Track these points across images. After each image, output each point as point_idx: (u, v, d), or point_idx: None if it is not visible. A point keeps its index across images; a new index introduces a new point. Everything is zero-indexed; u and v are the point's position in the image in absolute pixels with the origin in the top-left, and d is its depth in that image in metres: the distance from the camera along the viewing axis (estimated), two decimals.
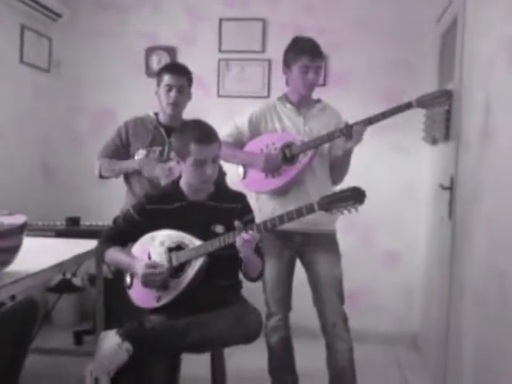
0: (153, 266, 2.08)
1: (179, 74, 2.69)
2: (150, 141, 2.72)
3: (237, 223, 2.05)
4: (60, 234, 3.14)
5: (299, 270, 2.61)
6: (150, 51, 3.93)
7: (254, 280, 2.23)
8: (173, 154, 2.54)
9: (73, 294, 3.87)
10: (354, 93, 3.70)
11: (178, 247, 2.11)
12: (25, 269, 2.04)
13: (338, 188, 2.16)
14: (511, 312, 1.88)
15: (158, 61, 3.88)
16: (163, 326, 2.05)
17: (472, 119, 2.50)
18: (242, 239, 2.01)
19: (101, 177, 2.80)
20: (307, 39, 2.53)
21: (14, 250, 1.96)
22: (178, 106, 2.70)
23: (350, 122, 2.41)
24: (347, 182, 2.32)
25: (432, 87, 3.29)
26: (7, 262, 1.96)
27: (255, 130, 2.58)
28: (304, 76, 2.48)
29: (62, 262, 2.32)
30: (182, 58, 3.72)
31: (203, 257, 2.07)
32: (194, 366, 2.40)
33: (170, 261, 2.10)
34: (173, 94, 2.67)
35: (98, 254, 2.35)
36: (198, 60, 3.73)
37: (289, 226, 2.14)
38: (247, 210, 2.27)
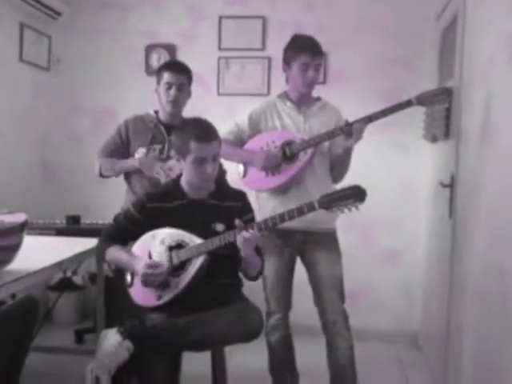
0: (153, 265, 2.07)
1: (179, 72, 2.69)
2: (150, 139, 2.72)
3: (237, 221, 2.05)
4: (60, 232, 3.14)
5: (299, 268, 2.61)
6: (149, 49, 3.92)
7: (253, 279, 2.23)
8: (173, 152, 2.54)
9: (73, 292, 3.87)
10: (353, 90, 3.69)
11: (179, 245, 2.11)
12: (25, 267, 2.04)
13: (339, 186, 2.15)
14: None
15: (157, 59, 3.88)
16: (164, 325, 2.05)
17: (472, 117, 2.50)
18: (243, 238, 2.01)
19: (101, 176, 2.80)
20: (307, 37, 2.53)
21: (15, 248, 1.96)
22: (177, 103, 2.70)
23: (350, 119, 2.41)
24: (347, 180, 2.31)
25: (432, 85, 3.28)
26: (8, 261, 1.96)
27: (255, 128, 2.58)
28: (304, 74, 2.48)
29: (63, 260, 2.31)
30: (182, 56, 3.71)
31: (204, 255, 2.07)
32: (195, 364, 2.41)
33: (170, 259, 2.10)
34: (173, 91, 2.67)
35: (98, 253, 2.34)
36: (198, 58, 3.72)
37: (289, 224, 2.14)
38: (248, 208, 2.26)
